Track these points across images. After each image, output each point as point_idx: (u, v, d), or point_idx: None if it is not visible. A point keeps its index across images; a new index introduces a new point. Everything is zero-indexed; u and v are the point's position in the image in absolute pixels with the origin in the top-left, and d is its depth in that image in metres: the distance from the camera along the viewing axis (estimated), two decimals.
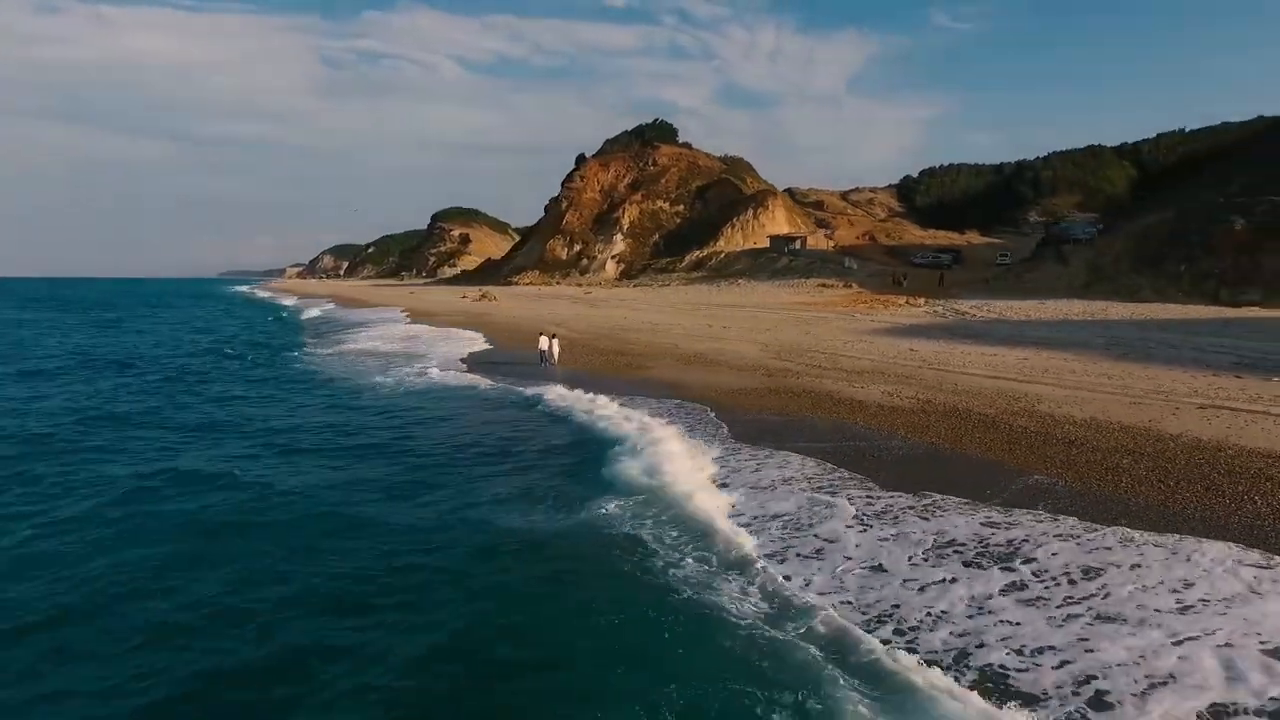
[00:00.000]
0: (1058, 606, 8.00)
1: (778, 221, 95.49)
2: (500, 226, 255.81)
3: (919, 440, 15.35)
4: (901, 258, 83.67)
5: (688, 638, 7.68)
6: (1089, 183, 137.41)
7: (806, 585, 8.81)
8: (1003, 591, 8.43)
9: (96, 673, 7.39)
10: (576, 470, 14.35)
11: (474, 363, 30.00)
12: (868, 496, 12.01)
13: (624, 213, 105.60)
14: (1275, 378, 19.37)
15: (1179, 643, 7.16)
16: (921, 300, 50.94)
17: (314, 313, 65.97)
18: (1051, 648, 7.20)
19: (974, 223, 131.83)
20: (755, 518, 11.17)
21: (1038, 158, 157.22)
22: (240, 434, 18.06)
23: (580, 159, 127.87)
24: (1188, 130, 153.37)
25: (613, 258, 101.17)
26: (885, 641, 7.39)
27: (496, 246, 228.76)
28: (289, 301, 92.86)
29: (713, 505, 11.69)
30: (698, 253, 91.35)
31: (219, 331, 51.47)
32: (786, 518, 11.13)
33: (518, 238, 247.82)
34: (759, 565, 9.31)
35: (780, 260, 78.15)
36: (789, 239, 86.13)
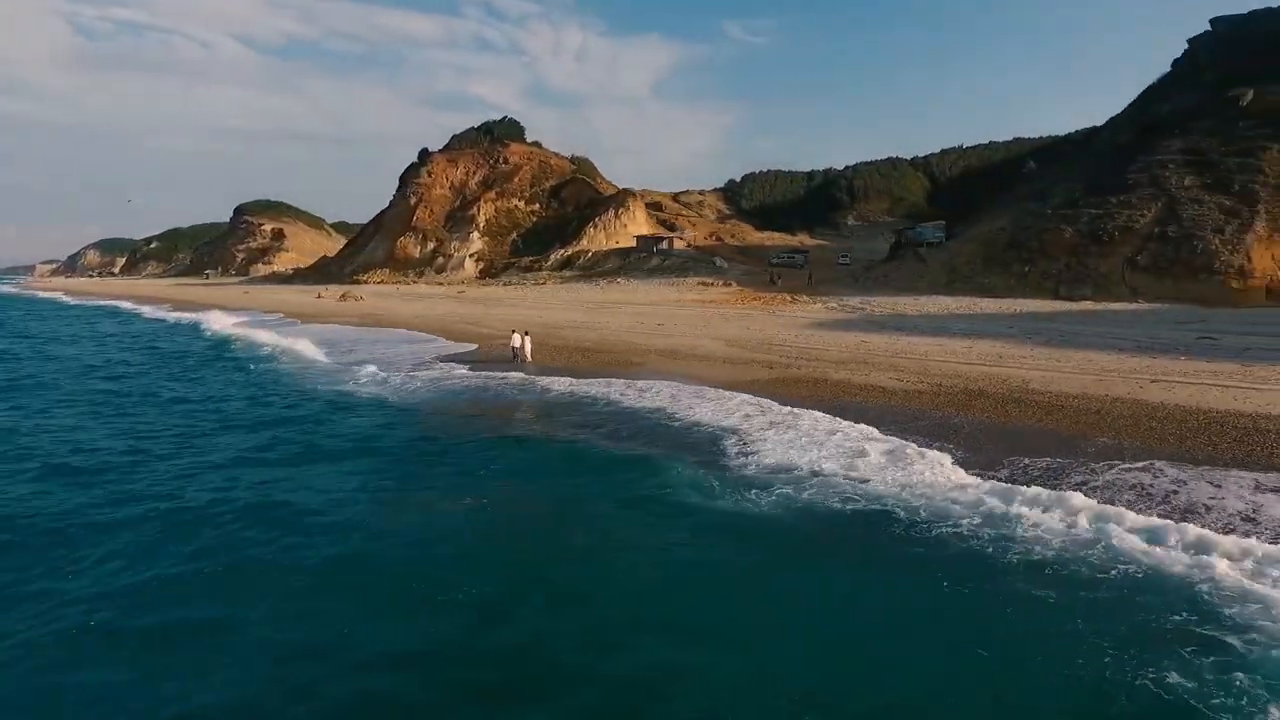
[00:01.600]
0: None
1: (638, 222, 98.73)
2: (315, 221, 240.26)
3: (975, 417, 17.98)
4: (756, 258, 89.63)
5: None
6: (894, 191, 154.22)
7: None
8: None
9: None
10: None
11: (466, 361, 29.68)
12: (997, 461, 14.36)
13: (479, 210, 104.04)
14: (1182, 356, 24.41)
15: None
16: (804, 297, 55.71)
17: (176, 317, 59.52)
18: None
19: (797, 225, 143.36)
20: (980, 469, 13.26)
21: (847, 166, 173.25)
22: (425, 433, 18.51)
23: (425, 154, 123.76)
24: (965, 147, 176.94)
25: (471, 256, 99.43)
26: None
27: (314, 243, 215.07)
28: (130, 305, 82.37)
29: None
30: (562, 251, 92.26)
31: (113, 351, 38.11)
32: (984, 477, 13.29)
33: (333, 233, 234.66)
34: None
35: (651, 260, 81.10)
36: (657, 239, 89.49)
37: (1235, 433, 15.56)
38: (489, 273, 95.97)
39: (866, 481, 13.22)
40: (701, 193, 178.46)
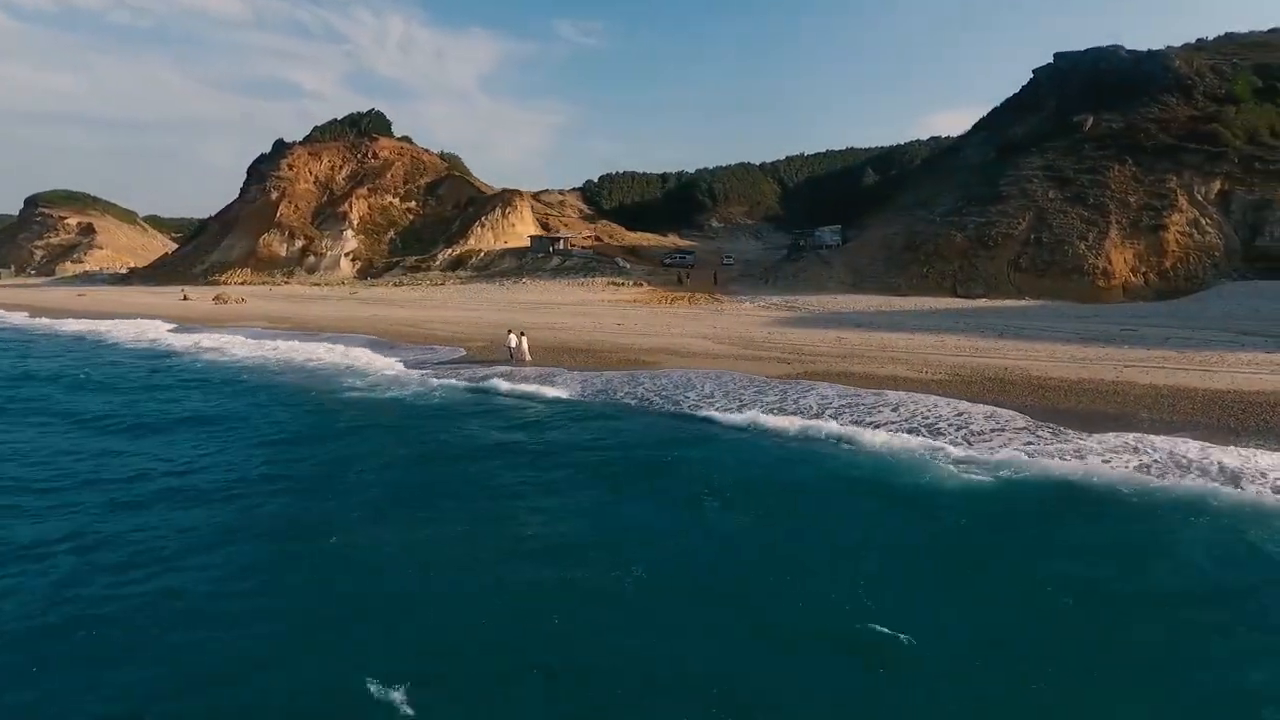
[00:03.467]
0: None
1: (526, 221, 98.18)
2: (126, 215, 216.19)
3: (1025, 401, 20.62)
4: (645, 258, 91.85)
5: None
6: (751, 195, 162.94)
7: None
8: None
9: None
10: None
11: (480, 363, 29.29)
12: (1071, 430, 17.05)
13: (351, 207, 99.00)
14: (1125, 346, 28.89)
15: None
16: (723, 296, 58.47)
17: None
18: None
19: (663, 226, 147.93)
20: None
21: (700, 169, 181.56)
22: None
23: (281, 145, 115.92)
24: (806, 154, 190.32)
25: (346, 255, 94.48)
26: None
27: (130, 239, 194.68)
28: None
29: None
30: (449, 251, 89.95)
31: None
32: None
33: (149, 229, 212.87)
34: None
35: (551, 260, 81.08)
36: (553, 239, 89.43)
37: (1238, 406, 19.19)
38: (368, 272, 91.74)
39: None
40: (561, 192, 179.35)
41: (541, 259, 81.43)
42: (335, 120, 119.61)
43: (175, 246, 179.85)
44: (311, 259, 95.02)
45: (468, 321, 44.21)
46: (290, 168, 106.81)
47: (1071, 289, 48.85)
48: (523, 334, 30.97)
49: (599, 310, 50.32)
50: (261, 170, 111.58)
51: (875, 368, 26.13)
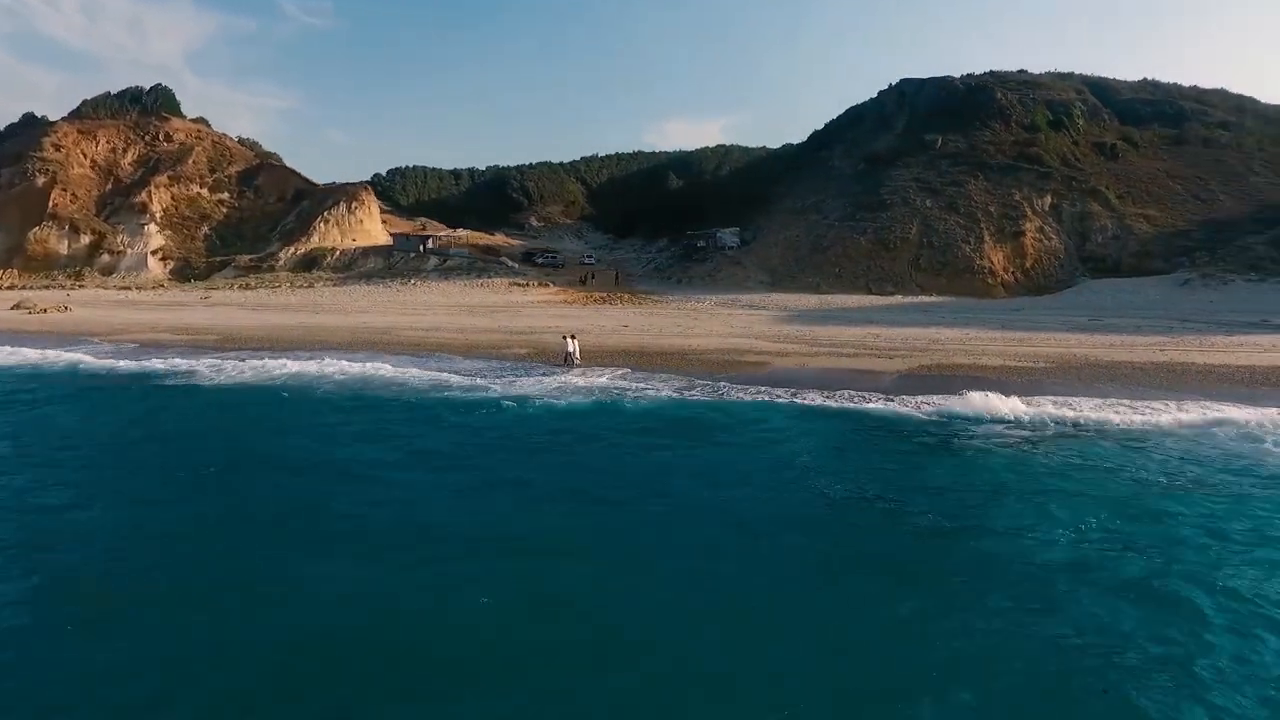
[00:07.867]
0: None
1: (374, 218, 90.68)
2: None
3: (1142, 384, 24.59)
4: (509, 256, 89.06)
5: None
6: (563, 194, 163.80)
7: None
8: None
9: None
10: None
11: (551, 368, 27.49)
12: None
13: (150, 198, 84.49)
14: (1124, 334, 34.68)
15: None
16: (654, 297, 59.31)
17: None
18: None
19: (471, 224, 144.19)
20: None
21: (494, 165, 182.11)
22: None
23: (34, 120, 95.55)
24: (601, 155, 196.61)
25: (153, 253, 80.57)
26: None
27: None
28: None
29: None
30: (292, 249, 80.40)
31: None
32: None
33: None
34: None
35: (428, 259, 75.83)
36: (422, 238, 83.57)
37: (1249, 379, 24.29)
38: (186, 273, 79.19)
39: None
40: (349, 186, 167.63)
41: (415, 259, 75.99)
42: (108, 94, 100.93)
43: None
44: (106, 258, 79.84)
45: (453, 327, 40.81)
46: (57, 148, 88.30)
47: (966, 285, 56.49)
48: (574, 337, 30.28)
49: (559, 311, 48.96)
50: (11, 150, 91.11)
51: (976, 360, 28.87)
